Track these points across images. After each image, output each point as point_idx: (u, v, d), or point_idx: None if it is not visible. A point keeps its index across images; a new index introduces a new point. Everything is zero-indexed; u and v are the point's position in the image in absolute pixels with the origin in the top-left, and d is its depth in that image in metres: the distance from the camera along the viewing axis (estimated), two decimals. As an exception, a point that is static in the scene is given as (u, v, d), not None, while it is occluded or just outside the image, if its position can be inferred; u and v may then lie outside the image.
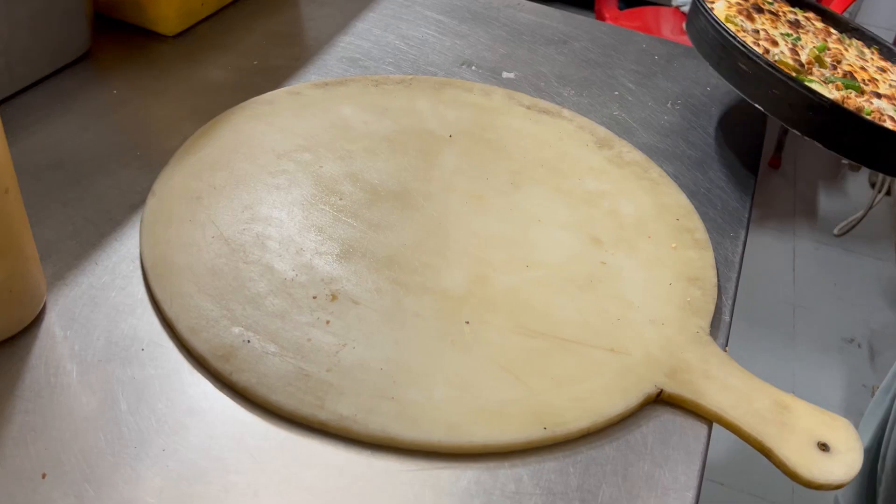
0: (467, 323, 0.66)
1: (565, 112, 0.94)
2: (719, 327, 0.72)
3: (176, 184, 0.77)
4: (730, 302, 0.75)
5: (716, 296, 0.73)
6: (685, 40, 1.11)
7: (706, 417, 0.63)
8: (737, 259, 0.81)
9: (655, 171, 0.87)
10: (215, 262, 0.69)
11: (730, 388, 0.64)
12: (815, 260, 2.49)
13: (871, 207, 2.46)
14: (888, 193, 2.58)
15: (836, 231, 2.56)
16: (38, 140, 0.84)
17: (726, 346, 0.71)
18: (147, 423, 0.59)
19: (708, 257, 0.77)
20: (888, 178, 2.58)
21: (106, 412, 0.59)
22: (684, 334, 0.68)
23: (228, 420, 0.59)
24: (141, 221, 0.73)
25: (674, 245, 0.77)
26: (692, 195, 0.87)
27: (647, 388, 0.63)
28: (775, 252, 2.50)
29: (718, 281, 0.75)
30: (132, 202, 0.77)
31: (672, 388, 0.63)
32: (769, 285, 2.34)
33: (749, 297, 2.22)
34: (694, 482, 0.60)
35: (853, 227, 2.51)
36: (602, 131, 0.92)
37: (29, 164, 0.80)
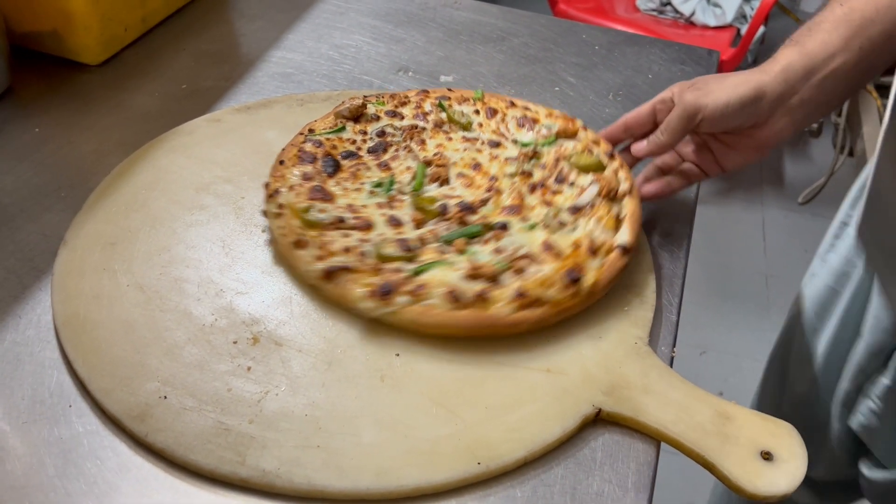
0: (397, 355, 0.64)
1: (500, 113, 0.92)
2: (661, 332, 0.70)
3: (89, 230, 0.74)
4: (676, 300, 0.73)
5: (654, 301, 0.71)
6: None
7: (648, 435, 0.61)
8: (682, 252, 0.79)
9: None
10: (130, 314, 0.67)
11: (670, 402, 0.62)
12: (785, 228, 2.48)
13: (832, 173, 2.45)
14: (851, 154, 2.57)
15: (800, 199, 2.55)
16: (-44, 188, 0.81)
17: (673, 349, 0.69)
18: (76, 487, 0.57)
19: (646, 261, 0.75)
20: (850, 139, 2.57)
21: (32, 478, 0.57)
22: (622, 347, 0.67)
23: (153, 481, 0.57)
24: (52, 275, 0.71)
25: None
26: (635, 189, 0.85)
27: (584, 410, 0.62)
28: (744, 223, 2.49)
29: (659, 283, 0.74)
30: (55, 248, 0.74)
31: (610, 406, 0.62)
32: (740, 257, 2.32)
33: (721, 270, 2.21)
34: (645, 495, 0.59)
35: (817, 193, 2.50)
36: (539, 131, 0.90)
37: (-53, 215, 0.78)
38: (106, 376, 0.62)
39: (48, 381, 0.63)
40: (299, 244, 0.70)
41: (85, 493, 0.57)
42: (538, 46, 1.08)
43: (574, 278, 0.67)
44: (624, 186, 0.75)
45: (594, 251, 0.70)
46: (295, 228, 0.71)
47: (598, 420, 0.62)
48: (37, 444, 0.59)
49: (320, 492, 0.56)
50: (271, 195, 0.75)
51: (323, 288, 0.68)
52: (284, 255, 0.71)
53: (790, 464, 0.59)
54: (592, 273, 0.68)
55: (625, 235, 0.71)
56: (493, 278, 0.66)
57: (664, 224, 0.81)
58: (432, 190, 0.76)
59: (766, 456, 0.60)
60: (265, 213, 0.75)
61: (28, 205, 0.80)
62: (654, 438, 0.61)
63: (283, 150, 0.80)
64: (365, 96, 0.86)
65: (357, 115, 0.84)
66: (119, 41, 1.02)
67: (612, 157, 0.78)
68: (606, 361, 0.65)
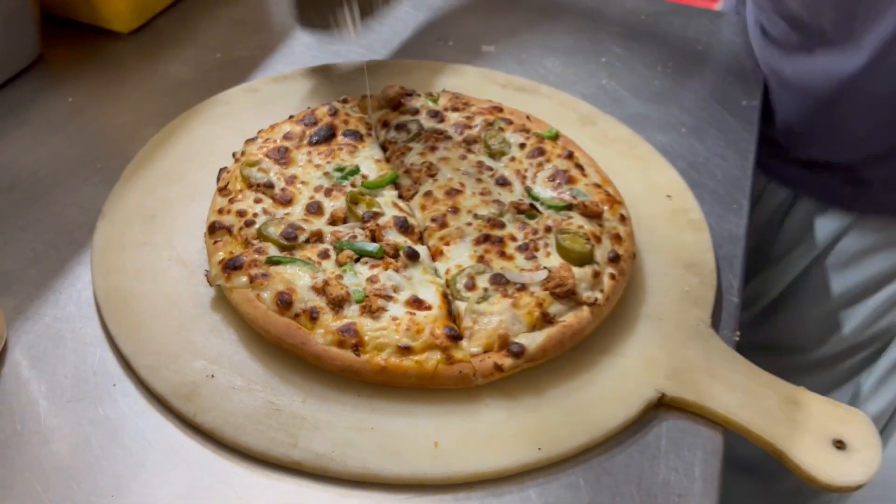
0: (451, 335, 0.62)
1: (544, 88, 0.89)
2: (722, 314, 0.67)
3: (128, 202, 0.72)
4: (737, 281, 0.70)
5: (715, 281, 0.68)
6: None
7: (713, 421, 0.59)
8: (742, 232, 0.75)
9: (643, 147, 0.81)
10: (173, 289, 0.65)
11: (736, 387, 0.60)
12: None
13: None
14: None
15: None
16: (-10, 159, 0.79)
17: (737, 332, 0.66)
18: (122, 468, 0.55)
19: (704, 240, 0.72)
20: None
21: (78, 459, 0.55)
22: (684, 329, 0.64)
23: (202, 463, 0.55)
24: (91, 249, 0.69)
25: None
26: (690, 166, 0.81)
27: (646, 394, 0.59)
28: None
29: (717, 263, 0.71)
30: (94, 221, 0.72)
31: (673, 390, 0.59)
32: None
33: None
34: (714, 485, 0.56)
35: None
36: (585, 107, 0.86)
37: (-18, 188, 0.76)
38: (151, 354, 0.60)
39: (91, 358, 0.61)
40: (222, 190, 0.69)
41: (132, 474, 0.55)
42: (582, 15, 1.05)
43: (453, 335, 0.58)
44: (585, 295, 0.62)
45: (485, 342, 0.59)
46: (233, 174, 0.70)
47: (661, 404, 0.60)
48: (82, 423, 0.57)
49: (375, 476, 0.54)
50: (248, 141, 0.75)
51: (205, 239, 0.66)
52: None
53: (864, 453, 0.57)
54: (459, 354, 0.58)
55: (532, 339, 0.59)
56: (338, 303, 0.60)
57: (722, 201, 0.78)
58: (385, 196, 0.70)
59: (839, 444, 0.57)
60: (233, 155, 0.74)
61: (64, 177, 0.77)
62: (720, 424, 0.59)
63: (305, 110, 0.79)
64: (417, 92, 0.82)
65: (395, 104, 0.80)
66: (151, 9, 0.99)
67: (616, 260, 0.65)
68: (668, 343, 0.63)
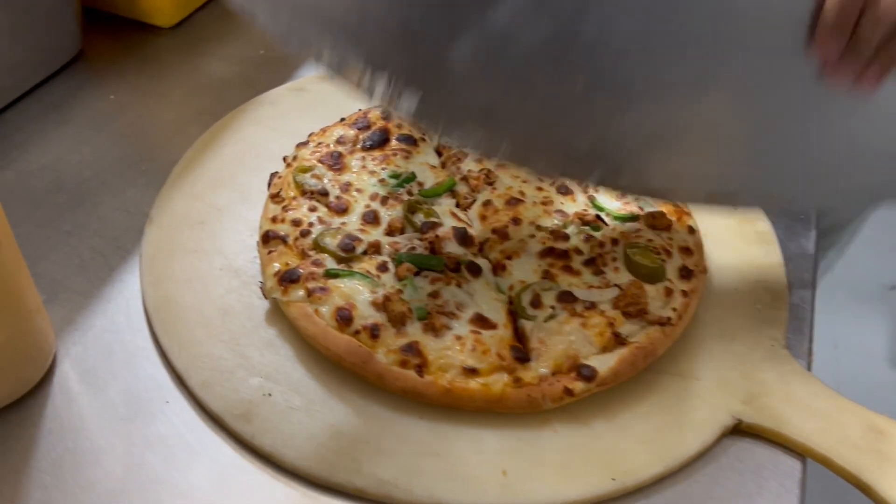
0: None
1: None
2: (796, 334, 0.64)
3: (176, 207, 0.70)
4: (810, 298, 0.67)
5: (788, 298, 0.65)
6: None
7: (792, 449, 0.56)
8: (811, 245, 0.72)
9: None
10: (226, 300, 0.62)
11: (816, 413, 0.57)
12: (851, 205, 2.35)
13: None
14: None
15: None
16: (33, 159, 0.77)
17: (810, 355, 0.63)
18: (179, 490, 0.53)
19: (774, 252, 0.69)
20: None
21: (133, 481, 0.53)
22: (758, 350, 0.61)
23: (261, 487, 0.53)
24: (140, 255, 0.66)
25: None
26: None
27: (722, 420, 0.56)
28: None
29: (789, 278, 0.68)
30: (141, 225, 0.70)
31: (751, 416, 0.57)
32: (869, 249, 2.19)
33: (849, 260, 2.08)
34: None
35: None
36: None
37: (26, 189, 0.74)
38: (205, 370, 0.58)
39: (142, 373, 0.59)
40: (274, 197, 0.67)
41: (189, 498, 0.52)
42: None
43: (520, 357, 0.56)
44: (659, 313, 0.59)
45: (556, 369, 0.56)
46: (285, 180, 0.68)
47: (737, 430, 0.57)
48: (136, 443, 0.55)
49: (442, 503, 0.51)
50: (299, 144, 0.72)
51: (258, 248, 0.64)
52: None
53: (956, 488, 0.54)
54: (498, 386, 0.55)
55: (603, 362, 0.56)
56: (400, 320, 0.57)
57: (787, 211, 0.75)
58: (442, 204, 0.67)
59: (928, 477, 0.54)
60: (284, 159, 0.72)
61: (109, 178, 0.75)
62: (800, 453, 0.56)
63: (357, 112, 0.76)
64: None
65: None
66: (192, 2, 0.97)
67: (687, 275, 0.62)
68: (742, 365, 0.60)
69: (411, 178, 0.69)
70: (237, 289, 0.64)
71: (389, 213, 0.65)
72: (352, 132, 0.72)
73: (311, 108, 0.81)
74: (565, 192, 0.69)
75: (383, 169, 0.69)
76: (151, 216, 0.69)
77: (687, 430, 0.56)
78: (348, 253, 0.61)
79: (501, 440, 0.55)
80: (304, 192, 0.66)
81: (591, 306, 0.59)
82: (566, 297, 0.59)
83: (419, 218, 0.65)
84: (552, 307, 0.59)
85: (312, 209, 0.65)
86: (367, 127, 0.73)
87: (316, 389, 0.57)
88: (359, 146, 0.71)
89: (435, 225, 0.64)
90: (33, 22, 0.81)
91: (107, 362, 0.60)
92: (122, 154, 0.78)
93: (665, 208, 0.67)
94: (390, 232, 0.64)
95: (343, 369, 0.57)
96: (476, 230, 0.66)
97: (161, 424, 0.56)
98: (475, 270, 0.61)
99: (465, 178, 0.70)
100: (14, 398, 0.57)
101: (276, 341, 0.60)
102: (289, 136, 0.75)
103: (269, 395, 0.56)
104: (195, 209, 0.70)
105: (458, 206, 0.68)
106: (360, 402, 0.56)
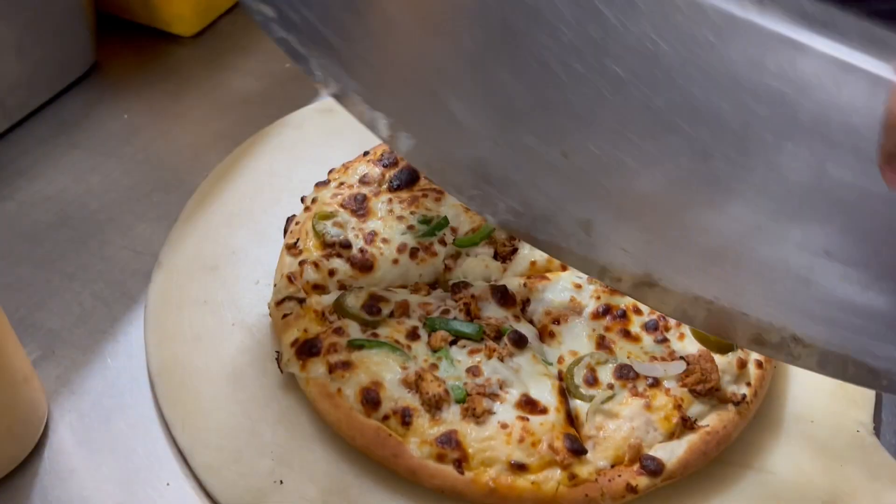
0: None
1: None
2: (882, 416, 0.56)
3: (187, 249, 0.64)
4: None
5: (875, 371, 0.57)
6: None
7: (883, 563, 0.48)
8: None
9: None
10: (237, 363, 0.56)
11: (910, 519, 0.49)
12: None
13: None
14: None
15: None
16: (38, 188, 0.71)
17: None
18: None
19: (858, 313, 0.60)
20: None
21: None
22: (841, 436, 0.53)
23: None
24: (145, 306, 0.60)
25: None
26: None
27: (802, 526, 0.49)
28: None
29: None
30: (149, 268, 0.64)
31: (835, 522, 0.49)
32: None
33: None
34: None
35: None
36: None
37: (28, 224, 0.68)
38: (211, 448, 0.51)
39: (142, 447, 0.53)
40: (291, 248, 0.60)
41: None
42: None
43: (576, 449, 0.48)
44: (730, 391, 0.52)
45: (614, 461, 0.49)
46: (303, 228, 0.61)
47: (816, 536, 0.49)
48: (132, 533, 0.49)
49: None
50: (318, 184, 0.65)
51: (271, 312, 0.57)
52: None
53: None
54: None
55: (670, 451, 0.49)
56: (435, 404, 0.50)
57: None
58: (480, 255, 0.60)
59: None
60: (301, 200, 0.65)
61: (117, 212, 0.69)
62: (893, 568, 0.48)
63: (380, 145, 0.68)
64: None
65: None
66: (214, 9, 0.90)
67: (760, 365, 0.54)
68: (823, 455, 0.52)
69: (443, 223, 0.61)
70: (250, 349, 0.57)
71: (419, 271, 0.58)
72: (377, 170, 0.65)
73: (338, 134, 0.74)
74: None
75: (412, 213, 0.62)
76: (160, 260, 0.63)
77: (761, 540, 0.48)
78: (374, 316, 0.54)
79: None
80: (325, 244, 0.59)
81: (655, 383, 0.51)
82: (626, 373, 0.52)
83: (445, 275, 0.59)
84: (610, 385, 0.51)
85: (332, 272, 0.58)
86: (394, 164, 0.65)
87: (333, 478, 0.50)
88: (384, 187, 0.64)
89: (467, 285, 0.57)
90: (42, 33, 0.75)
91: (104, 433, 0.54)
92: (134, 183, 0.72)
93: None
94: (414, 290, 0.58)
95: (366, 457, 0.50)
96: (515, 287, 0.58)
97: (161, 512, 0.50)
98: (521, 342, 0.53)
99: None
100: (-1, 476, 0.51)
101: (289, 415, 0.53)
102: (312, 165, 0.69)
103: (281, 482, 0.50)
104: (208, 252, 0.64)
105: (496, 256, 0.61)
106: (383, 495, 0.50)
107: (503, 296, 0.57)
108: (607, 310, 0.56)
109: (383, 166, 0.65)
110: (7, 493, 0.51)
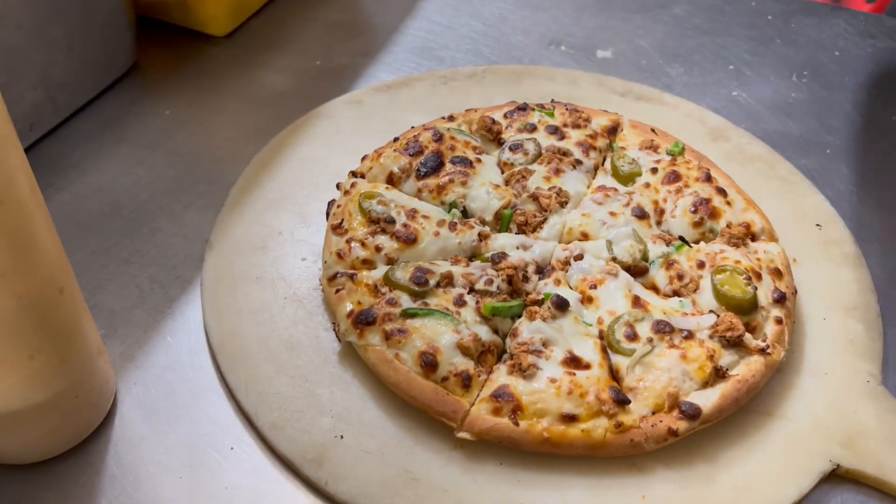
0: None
1: (667, 97, 0.82)
2: (891, 367, 0.60)
3: (235, 232, 0.68)
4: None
5: (882, 328, 0.61)
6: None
7: (894, 497, 0.53)
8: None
9: (784, 168, 0.74)
10: (292, 332, 0.60)
11: (920, 458, 0.53)
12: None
13: None
14: None
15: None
16: (89, 180, 0.75)
17: None
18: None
19: (864, 277, 0.65)
20: None
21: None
22: (853, 386, 0.58)
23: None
24: (201, 284, 0.64)
25: (794, 259, 0.65)
26: (840, 196, 0.74)
27: (820, 465, 0.53)
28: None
29: (880, 305, 0.64)
30: (200, 252, 0.68)
31: (850, 461, 0.53)
32: None
33: None
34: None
35: None
36: (714, 119, 0.79)
37: (83, 213, 0.72)
38: (274, 409, 0.56)
39: (206, 415, 0.57)
40: (336, 228, 0.64)
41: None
42: (703, 16, 0.97)
43: (620, 399, 0.53)
44: (754, 343, 0.56)
45: (658, 407, 0.53)
46: (345, 209, 0.64)
47: (834, 474, 0.54)
48: (201, 494, 0.53)
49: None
50: (353, 172, 0.70)
51: (324, 287, 0.61)
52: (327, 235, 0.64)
53: None
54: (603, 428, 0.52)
55: (705, 398, 0.53)
56: (489, 364, 0.55)
57: (877, 236, 0.70)
58: (506, 240, 0.63)
59: None
60: (337, 186, 0.69)
61: (166, 201, 0.73)
62: (905, 503, 0.53)
63: (409, 130, 0.72)
64: (535, 105, 0.75)
65: (492, 132, 0.73)
66: (246, 9, 0.94)
67: (780, 300, 0.58)
68: (837, 404, 0.56)
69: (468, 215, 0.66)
70: (303, 319, 0.61)
71: (459, 240, 0.63)
72: (404, 159, 0.68)
73: (367, 122, 0.78)
74: (640, 215, 0.65)
75: (441, 204, 0.66)
76: (211, 242, 0.67)
77: (784, 477, 0.53)
78: (422, 287, 0.58)
79: (588, 489, 0.52)
80: (371, 220, 0.63)
81: (689, 336, 0.56)
82: (662, 327, 0.56)
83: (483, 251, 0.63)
84: (649, 339, 0.56)
85: (378, 248, 0.62)
86: (420, 152, 0.69)
87: (389, 431, 0.54)
88: (412, 175, 0.68)
89: (504, 255, 0.62)
90: (88, 35, 0.79)
91: (169, 403, 0.58)
92: (179, 175, 0.76)
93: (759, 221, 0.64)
94: (455, 261, 0.62)
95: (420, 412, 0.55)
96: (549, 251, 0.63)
97: (227, 472, 0.54)
98: (563, 306, 0.58)
99: (534, 197, 0.66)
100: (75, 443, 0.55)
101: (345, 377, 0.58)
102: (345, 153, 0.73)
103: (342, 437, 0.54)
104: (255, 233, 0.68)
105: (518, 230, 0.65)
106: (436, 445, 0.54)
107: (540, 269, 0.61)
108: (636, 272, 0.61)
109: (410, 155, 0.69)
110: (85, 458, 0.55)
